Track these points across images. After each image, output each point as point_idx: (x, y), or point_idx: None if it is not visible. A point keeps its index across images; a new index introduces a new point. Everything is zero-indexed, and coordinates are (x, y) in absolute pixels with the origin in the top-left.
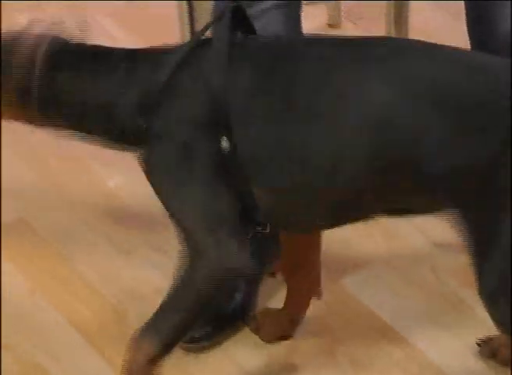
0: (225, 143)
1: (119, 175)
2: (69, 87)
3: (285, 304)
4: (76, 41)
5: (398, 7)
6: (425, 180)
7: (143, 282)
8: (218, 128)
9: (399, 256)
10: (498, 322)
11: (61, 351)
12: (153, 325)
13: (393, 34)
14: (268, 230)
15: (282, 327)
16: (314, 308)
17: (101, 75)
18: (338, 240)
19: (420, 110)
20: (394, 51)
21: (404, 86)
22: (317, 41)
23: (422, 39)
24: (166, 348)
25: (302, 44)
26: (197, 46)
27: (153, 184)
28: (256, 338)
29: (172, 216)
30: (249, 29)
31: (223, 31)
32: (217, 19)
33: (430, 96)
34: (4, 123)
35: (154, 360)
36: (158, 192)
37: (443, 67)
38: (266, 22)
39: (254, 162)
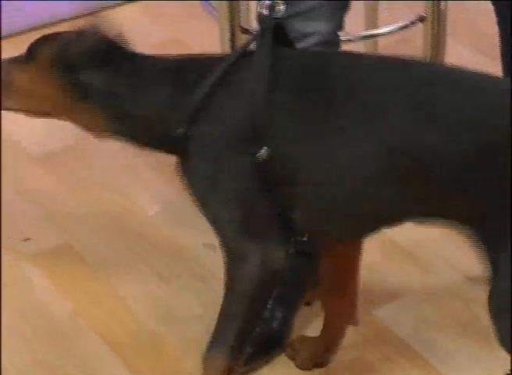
0: (262, 153)
1: (158, 204)
2: (116, 93)
3: (322, 330)
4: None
5: (435, 48)
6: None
7: (181, 308)
8: (255, 141)
9: (432, 289)
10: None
11: (97, 371)
12: (217, 338)
13: None
14: (305, 239)
15: (318, 354)
16: (348, 338)
17: (146, 86)
18: (372, 272)
19: (434, 133)
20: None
21: (423, 110)
22: (353, 57)
23: None
24: (236, 356)
25: (339, 61)
26: (238, 60)
27: (191, 192)
28: (291, 366)
29: (210, 223)
30: (288, 43)
31: (265, 46)
32: (259, 34)
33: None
34: (51, 154)
35: (229, 370)
36: (195, 199)
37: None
38: None
39: (289, 174)
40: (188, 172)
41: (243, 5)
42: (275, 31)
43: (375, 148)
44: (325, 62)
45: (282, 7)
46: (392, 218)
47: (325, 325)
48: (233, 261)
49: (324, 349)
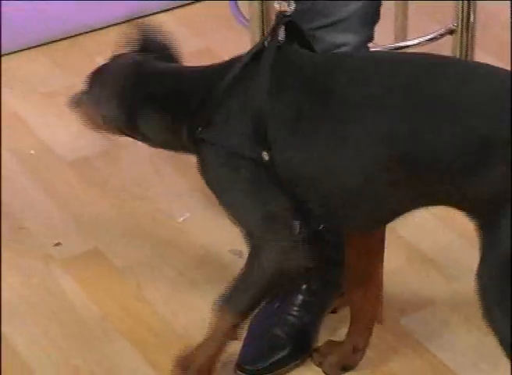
0: (265, 156)
1: (187, 211)
2: (142, 103)
3: (349, 330)
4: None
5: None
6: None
7: (207, 312)
8: (259, 142)
9: (457, 297)
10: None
11: (125, 373)
12: (228, 299)
13: None
14: (320, 228)
15: (346, 357)
16: (372, 345)
17: (168, 91)
18: (397, 280)
19: (434, 127)
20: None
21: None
22: (357, 60)
23: None
24: (242, 317)
25: (342, 64)
26: (251, 62)
27: (210, 188)
28: (318, 371)
29: (229, 216)
30: (305, 42)
31: (270, 51)
32: (269, 36)
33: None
34: (82, 160)
35: (234, 326)
36: (214, 194)
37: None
38: None
39: (289, 173)
40: (203, 170)
41: (274, 15)
42: (290, 29)
43: (373, 148)
44: (332, 65)
45: (292, 5)
46: (396, 209)
47: (351, 323)
48: (252, 252)
49: (351, 351)
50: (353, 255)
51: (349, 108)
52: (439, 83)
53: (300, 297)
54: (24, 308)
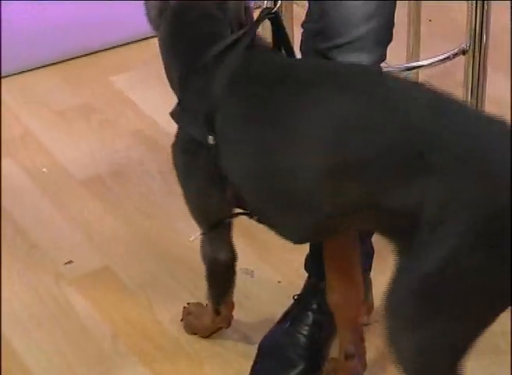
0: (210, 140)
1: (198, 230)
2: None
3: (340, 339)
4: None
5: (475, 78)
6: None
7: (220, 334)
8: (208, 127)
9: None
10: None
11: None
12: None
13: (470, 103)
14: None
15: (346, 368)
16: (379, 365)
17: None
18: None
19: (365, 141)
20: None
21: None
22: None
23: (497, 110)
24: (213, 303)
25: (295, 68)
26: (227, 49)
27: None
28: None
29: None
30: (286, 41)
31: (242, 44)
32: (248, 28)
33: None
34: (95, 178)
35: (214, 311)
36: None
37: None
38: None
39: (231, 166)
40: (172, 150)
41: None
42: (274, 24)
43: (320, 152)
44: (290, 69)
45: (278, 2)
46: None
47: (338, 330)
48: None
49: (344, 359)
50: (328, 256)
51: (301, 112)
52: (391, 96)
53: (312, 316)
54: (31, 321)
